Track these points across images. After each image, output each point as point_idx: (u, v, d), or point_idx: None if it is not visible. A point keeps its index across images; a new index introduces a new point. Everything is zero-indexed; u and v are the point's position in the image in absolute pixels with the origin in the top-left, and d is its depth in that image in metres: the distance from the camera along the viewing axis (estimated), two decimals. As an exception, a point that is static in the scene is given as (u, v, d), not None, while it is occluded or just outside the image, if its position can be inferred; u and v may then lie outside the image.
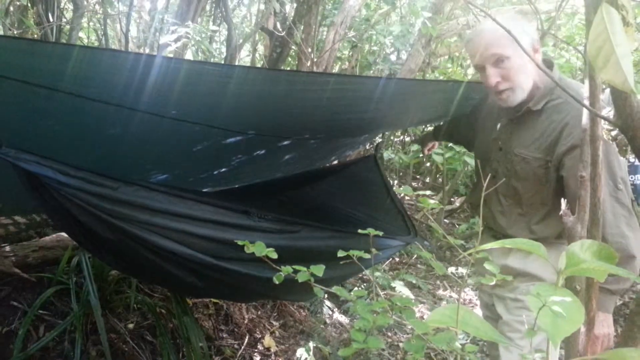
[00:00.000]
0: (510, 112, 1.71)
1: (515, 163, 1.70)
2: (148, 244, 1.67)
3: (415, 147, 5.03)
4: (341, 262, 1.18)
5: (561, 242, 1.70)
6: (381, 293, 1.14)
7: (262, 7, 5.12)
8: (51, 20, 3.79)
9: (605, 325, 1.62)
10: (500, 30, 1.52)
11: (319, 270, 0.97)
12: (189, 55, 4.47)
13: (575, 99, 0.88)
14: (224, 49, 4.82)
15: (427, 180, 6.80)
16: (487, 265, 0.84)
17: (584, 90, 1.49)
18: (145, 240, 1.65)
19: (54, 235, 2.65)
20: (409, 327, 2.07)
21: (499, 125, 1.79)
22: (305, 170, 2.74)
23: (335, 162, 3.08)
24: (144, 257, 1.71)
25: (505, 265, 1.77)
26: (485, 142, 1.85)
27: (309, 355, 2.72)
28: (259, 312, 3.20)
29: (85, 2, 4.18)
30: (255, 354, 2.81)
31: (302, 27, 4.36)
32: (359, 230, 1.25)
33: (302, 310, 3.41)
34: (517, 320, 1.74)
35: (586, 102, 1.37)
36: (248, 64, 6.06)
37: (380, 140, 3.62)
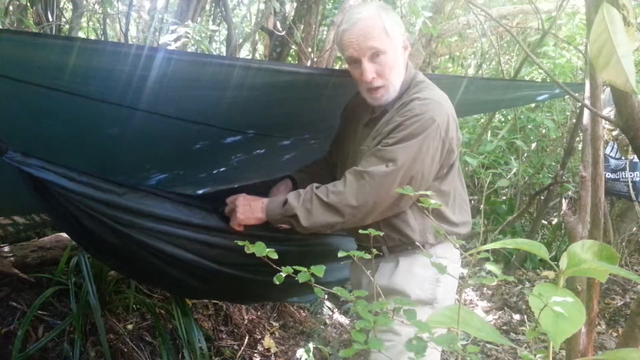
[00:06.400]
0: (370, 113, 1.61)
1: (359, 159, 1.59)
2: (153, 249, 1.66)
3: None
4: (342, 263, 1.17)
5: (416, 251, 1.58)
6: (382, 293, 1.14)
7: (262, 6, 5.12)
8: (50, 19, 3.78)
9: (248, 203, 1.59)
10: (377, 22, 1.46)
11: (319, 270, 0.96)
12: (188, 55, 4.45)
13: (577, 99, 0.88)
14: (223, 49, 4.82)
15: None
16: (489, 266, 0.84)
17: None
18: (150, 246, 1.65)
19: (52, 236, 2.64)
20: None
21: (359, 127, 1.67)
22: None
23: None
24: (149, 261, 1.71)
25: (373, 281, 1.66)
26: (347, 146, 1.74)
27: (308, 356, 2.71)
28: (259, 313, 3.20)
29: (84, 2, 4.18)
30: (255, 354, 2.81)
31: (302, 27, 4.35)
32: (360, 231, 1.24)
33: (302, 311, 3.40)
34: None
35: (587, 102, 1.37)
36: (248, 64, 6.03)
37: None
